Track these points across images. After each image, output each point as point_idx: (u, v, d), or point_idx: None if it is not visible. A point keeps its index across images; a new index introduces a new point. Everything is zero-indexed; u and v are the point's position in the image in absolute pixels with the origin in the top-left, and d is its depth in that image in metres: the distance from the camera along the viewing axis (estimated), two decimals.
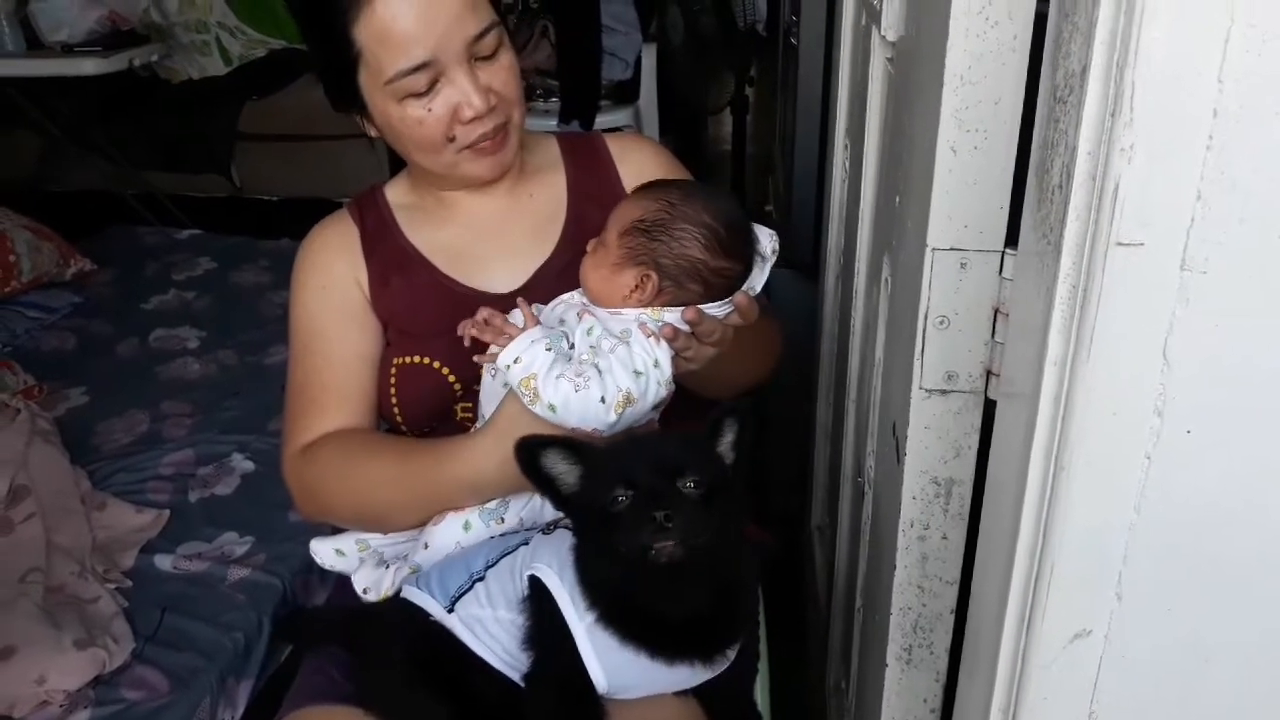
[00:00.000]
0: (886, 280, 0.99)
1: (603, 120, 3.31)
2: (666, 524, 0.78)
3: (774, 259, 1.06)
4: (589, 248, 1.06)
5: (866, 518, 1.10)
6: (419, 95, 1.03)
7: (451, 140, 1.07)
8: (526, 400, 0.94)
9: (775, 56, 2.59)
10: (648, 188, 1.06)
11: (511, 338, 0.97)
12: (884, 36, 1.00)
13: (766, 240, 1.05)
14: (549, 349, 0.95)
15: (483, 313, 1.01)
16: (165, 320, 2.50)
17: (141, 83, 3.85)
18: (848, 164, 1.46)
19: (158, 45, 3.54)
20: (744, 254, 1.03)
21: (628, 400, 0.93)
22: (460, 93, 1.04)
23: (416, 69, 1.01)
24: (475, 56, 1.04)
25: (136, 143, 3.68)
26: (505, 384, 1.02)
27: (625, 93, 3.45)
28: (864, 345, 1.21)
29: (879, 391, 1.01)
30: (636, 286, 1.00)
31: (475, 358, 1.03)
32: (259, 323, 2.48)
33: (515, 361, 0.94)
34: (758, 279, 1.05)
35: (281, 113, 3.63)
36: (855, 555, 1.21)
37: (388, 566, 1.11)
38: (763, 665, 1.20)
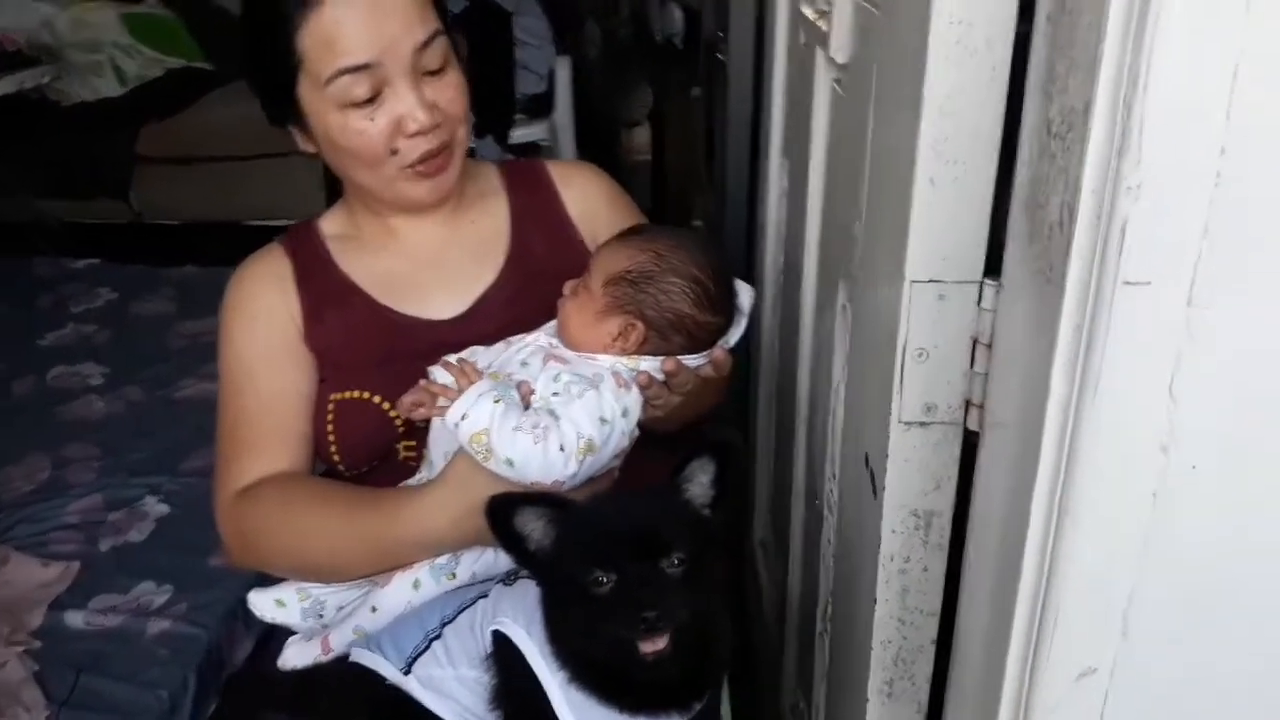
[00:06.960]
0: (844, 307, 0.97)
1: (518, 135, 3.27)
2: (658, 624, 0.76)
3: (748, 314, 1.05)
4: (567, 289, 1.03)
5: (828, 542, 1.09)
6: (361, 105, 0.99)
7: (394, 154, 1.02)
8: (480, 458, 0.90)
9: (693, 69, 2.58)
10: (633, 234, 1.04)
11: (452, 397, 0.92)
12: (832, 59, 0.99)
13: (745, 296, 1.05)
14: (498, 400, 0.91)
15: (420, 384, 0.98)
16: (64, 356, 2.37)
17: (31, 105, 3.65)
18: (786, 181, 1.45)
19: (49, 67, 3.36)
20: (728, 308, 1.03)
21: (589, 448, 0.90)
22: (404, 104, 1.00)
23: (358, 69, 0.97)
24: (423, 71, 1.01)
25: (27, 168, 3.49)
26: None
27: (539, 106, 3.40)
28: (816, 369, 1.19)
29: (842, 419, 0.99)
30: (620, 335, 0.97)
31: (407, 401, 0.97)
32: (165, 356, 2.34)
33: (463, 419, 0.90)
34: (734, 334, 1.04)
35: (182, 134, 3.48)
36: (812, 578, 1.20)
37: (320, 632, 1.05)
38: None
